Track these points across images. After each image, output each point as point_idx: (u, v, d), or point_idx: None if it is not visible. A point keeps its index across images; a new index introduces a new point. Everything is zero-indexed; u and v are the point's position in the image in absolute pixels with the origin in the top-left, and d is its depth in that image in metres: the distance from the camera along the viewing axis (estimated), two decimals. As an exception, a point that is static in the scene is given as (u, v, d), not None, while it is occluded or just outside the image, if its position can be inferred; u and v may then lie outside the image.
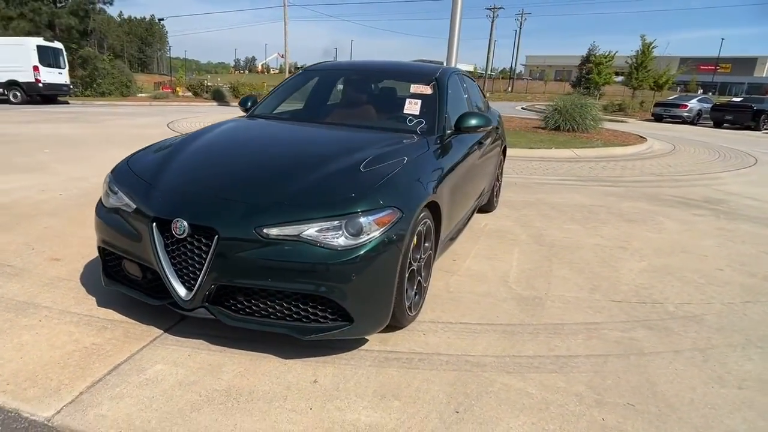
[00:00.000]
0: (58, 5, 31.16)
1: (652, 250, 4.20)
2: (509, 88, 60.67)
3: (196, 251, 2.15)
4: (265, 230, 2.07)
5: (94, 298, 2.71)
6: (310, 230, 2.08)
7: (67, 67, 20.15)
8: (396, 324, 2.49)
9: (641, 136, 13.44)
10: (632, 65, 35.97)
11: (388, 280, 2.23)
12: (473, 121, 3.23)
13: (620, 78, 39.70)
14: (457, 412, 1.96)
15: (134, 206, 2.32)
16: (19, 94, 18.21)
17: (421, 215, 2.45)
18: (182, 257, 2.18)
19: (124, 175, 2.55)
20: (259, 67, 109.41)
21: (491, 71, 76.80)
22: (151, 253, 2.22)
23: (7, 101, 18.16)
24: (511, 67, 67.69)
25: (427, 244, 2.71)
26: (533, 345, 2.52)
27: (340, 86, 3.98)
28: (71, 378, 2.02)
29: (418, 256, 2.55)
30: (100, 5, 34.38)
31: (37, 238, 3.60)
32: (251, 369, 2.16)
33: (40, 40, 18.90)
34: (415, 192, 2.45)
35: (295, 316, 2.16)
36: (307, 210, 2.13)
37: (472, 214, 4.22)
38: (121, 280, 2.50)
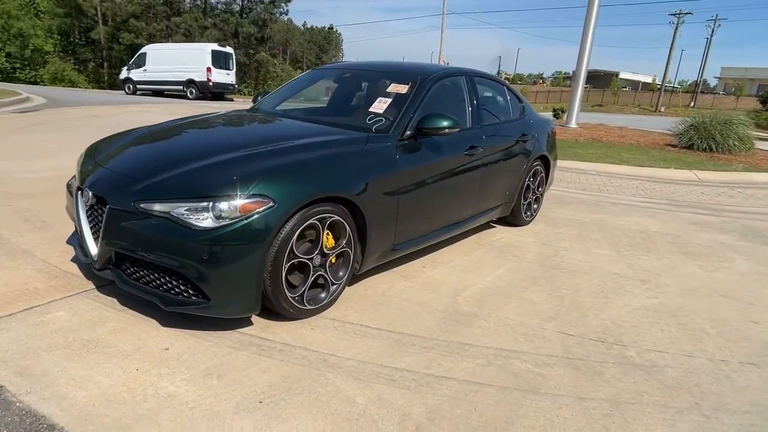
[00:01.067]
0: (243, 16, 35.81)
1: (681, 288, 3.55)
2: (691, 103, 53.34)
3: (99, 218, 2.46)
4: (142, 204, 2.29)
5: (72, 254, 3.21)
6: (180, 209, 2.24)
7: (235, 69, 23.09)
8: (281, 313, 2.54)
9: (813, 164, 11.07)
10: None
11: (251, 267, 2.28)
12: (439, 122, 3.09)
13: None
14: (261, 402, 1.96)
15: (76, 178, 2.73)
16: (194, 90, 21.40)
17: (315, 210, 2.46)
18: (94, 222, 2.52)
19: (87, 153, 2.98)
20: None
21: (678, 84, 68.61)
22: (76, 217, 2.59)
23: (185, 97, 21.45)
24: (697, 80, 59.59)
25: (342, 241, 2.69)
26: (413, 359, 2.37)
27: (333, 85, 4.06)
28: (-10, 310, 2.46)
29: (316, 251, 2.56)
30: (277, 15, 38.74)
31: (83, 203, 4.31)
32: (126, 328, 2.40)
33: (215, 45, 22.00)
34: (306, 184, 2.44)
35: (165, 287, 2.35)
36: (180, 189, 2.30)
37: (473, 225, 3.98)
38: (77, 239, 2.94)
